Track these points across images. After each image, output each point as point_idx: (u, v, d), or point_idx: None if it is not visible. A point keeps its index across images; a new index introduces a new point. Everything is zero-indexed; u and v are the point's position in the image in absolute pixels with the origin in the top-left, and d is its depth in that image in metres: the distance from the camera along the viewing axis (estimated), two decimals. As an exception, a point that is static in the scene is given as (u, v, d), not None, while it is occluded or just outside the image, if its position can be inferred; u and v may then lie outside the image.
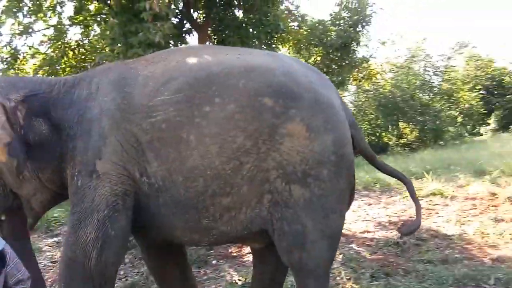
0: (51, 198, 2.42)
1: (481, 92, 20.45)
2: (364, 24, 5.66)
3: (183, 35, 5.81)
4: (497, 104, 20.22)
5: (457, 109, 18.03)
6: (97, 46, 6.24)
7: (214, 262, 4.68)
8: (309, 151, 2.10)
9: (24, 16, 5.10)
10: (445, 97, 17.24)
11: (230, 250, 5.12)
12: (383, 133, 17.14)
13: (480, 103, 19.06)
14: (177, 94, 2.10)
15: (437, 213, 5.97)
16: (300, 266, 2.24)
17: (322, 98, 2.20)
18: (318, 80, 2.32)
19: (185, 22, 5.83)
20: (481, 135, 19.78)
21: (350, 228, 5.65)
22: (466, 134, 19.32)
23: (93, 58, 5.02)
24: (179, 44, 5.76)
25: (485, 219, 5.16)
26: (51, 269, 5.08)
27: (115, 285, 4.13)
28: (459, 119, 18.55)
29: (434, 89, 17.41)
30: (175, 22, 5.28)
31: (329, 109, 2.20)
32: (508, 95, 19.68)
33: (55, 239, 6.73)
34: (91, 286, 2.15)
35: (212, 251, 4.91)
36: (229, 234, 2.25)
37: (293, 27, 6.77)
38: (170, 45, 4.98)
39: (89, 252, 2.10)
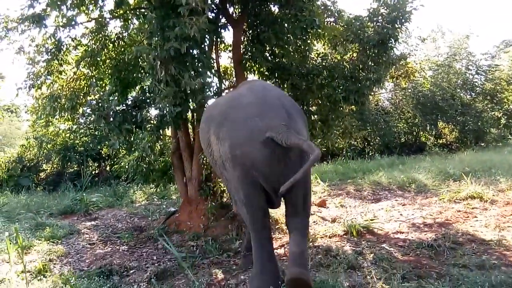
0: None
1: (527, 93, 19.32)
2: (403, 21, 5.46)
3: (219, 29, 5.86)
4: (544, 105, 19.04)
5: (500, 110, 17.12)
6: (136, 39, 6.41)
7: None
8: (221, 151, 3.43)
9: (68, 9, 5.30)
10: (488, 97, 16.43)
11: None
12: (421, 133, 16.59)
13: (526, 104, 18.03)
14: None
15: (475, 217, 5.73)
16: None
17: (228, 117, 3.41)
18: (241, 104, 3.45)
19: (220, 17, 5.88)
20: (527, 138, 18.72)
21: (383, 228, 5.54)
22: (510, 137, 18.33)
23: (132, 50, 5.16)
24: (214, 38, 5.82)
25: (527, 226, 4.91)
26: (89, 251, 5.33)
27: (148, 269, 4.28)
28: (502, 121, 17.60)
29: (476, 88, 16.63)
30: (210, 17, 5.33)
31: (230, 124, 3.35)
32: (558, 96, 18.47)
33: (93, 222, 7.04)
34: None
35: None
36: None
37: (329, 22, 6.67)
38: (206, 39, 5.05)
39: None
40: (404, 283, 3.24)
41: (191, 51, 4.57)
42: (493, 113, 16.35)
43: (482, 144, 14.96)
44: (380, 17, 5.64)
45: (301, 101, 5.82)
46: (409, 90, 15.40)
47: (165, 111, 4.43)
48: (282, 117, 3.19)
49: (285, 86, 6.21)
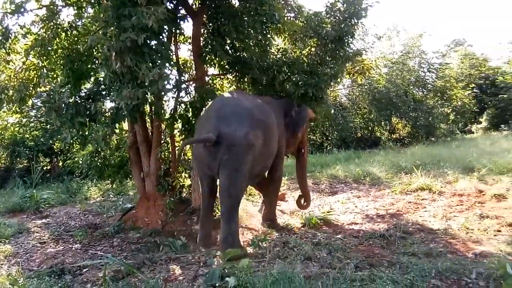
0: None
1: (474, 90, 20.56)
2: (359, 16, 5.61)
3: (178, 21, 5.74)
4: (489, 103, 20.34)
5: (449, 107, 18.14)
6: (90, 29, 6.14)
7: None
8: None
9: (17, -6, 5.00)
10: (438, 94, 17.33)
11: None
12: (376, 128, 17.23)
13: (472, 101, 19.17)
14: None
15: (425, 207, 6.05)
16: None
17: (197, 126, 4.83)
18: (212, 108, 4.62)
19: (180, 7, 5.75)
20: (472, 133, 19.93)
21: (339, 219, 5.72)
22: (458, 132, 19.46)
23: (86, 40, 4.93)
24: (173, 30, 5.69)
25: (471, 215, 5.24)
26: (39, 250, 5.09)
27: (103, 267, 4.15)
28: (451, 117, 18.67)
29: (428, 85, 17.48)
30: (169, 7, 5.21)
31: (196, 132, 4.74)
32: (501, 94, 19.79)
33: (44, 220, 6.73)
34: None
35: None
36: None
37: (289, 18, 6.72)
38: (164, 30, 4.92)
39: None
40: (357, 272, 3.35)
41: (148, 42, 4.44)
42: (443, 109, 17.29)
43: (433, 139, 15.75)
44: (337, 13, 5.75)
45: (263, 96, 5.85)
46: (365, 87, 15.91)
47: (120, 104, 4.28)
48: (213, 126, 4.26)
49: (246, 80, 6.21)
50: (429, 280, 3.18)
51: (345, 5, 5.66)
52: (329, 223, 5.47)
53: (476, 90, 21.14)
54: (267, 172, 5.24)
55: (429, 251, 3.92)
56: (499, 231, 4.63)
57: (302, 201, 6.08)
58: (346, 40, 5.62)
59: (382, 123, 16.33)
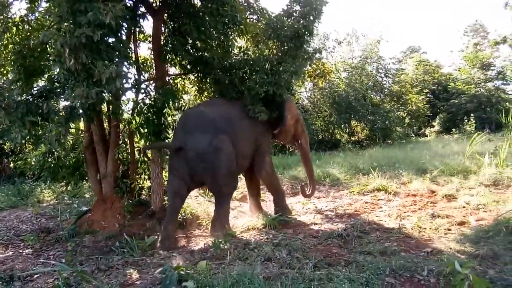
0: None
1: (427, 95, 21.62)
2: (316, 15, 5.73)
3: (138, 18, 5.61)
4: (441, 107, 21.44)
5: (405, 111, 18.94)
6: (44, 24, 5.86)
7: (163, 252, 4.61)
8: None
9: (-37, -15, 4.68)
10: (395, 99, 18.03)
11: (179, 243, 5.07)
12: (336, 130, 17.64)
13: (426, 106, 20.14)
14: None
15: (381, 207, 6.25)
16: None
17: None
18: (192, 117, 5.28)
19: (140, 5, 5.62)
20: (426, 136, 20.91)
21: (299, 220, 5.79)
22: (412, 135, 20.34)
23: (39, 35, 4.69)
24: (132, 28, 5.55)
25: (423, 215, 5.47)
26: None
27: (55, 273, 3.94)
28: (407, 120, 19.51)
29: (385, 90, 18.15)
30: (128, 4, 5.08)
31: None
32: (452, 100, 20.92)
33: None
34: None
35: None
36: None
37: (252, 20, 6.75)
38: (123, 28, 4.78)
39: None
40: (315, 272, 3.41)
41: (106, 39, 4.29)
42: (398, 113, 18.01)
43: (389, 141, 16.35)
44: (295, 12, 5.85)
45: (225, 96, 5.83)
46: (326, 90, 16.27)
47: (75, 103, 4.10)
48: (180, 138, 5.03)
49: (208, 81, 6.16)
50: (383, 278, 3.29)
51: (301, 5, 5.76)
52: (290, 224, 5.52)
53: (430, 95, 22.28)
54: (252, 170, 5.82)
55: (384, 250, 4.05)
56: (449, 229, 4.86)
57: (307, 189, 6.57)
58: (305, 38, 5.71)
59: (342, 126, 16.76)
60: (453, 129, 17.97)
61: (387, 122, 16.29)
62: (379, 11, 66.45)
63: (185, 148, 4.89)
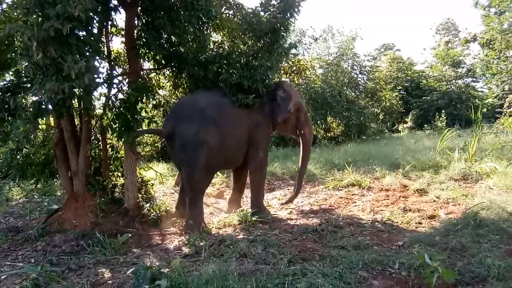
0: None
1: (401, 92, 22.07)
2: (292, 11, 5.74)
3: (110, 11, 5.45)
4: (414, 104, 21.93)
5: (379, 107, 19.28)
6: (11, 16, 5.62)
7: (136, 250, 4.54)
8: None
9: None
10: (369, 95, 18.31)
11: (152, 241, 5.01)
12: (313, 126, 17.74)
13: (399, 102, 20.57)
14: None
15: (354, 202, 6.36)
16: None
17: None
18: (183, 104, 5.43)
19: (112, -2, 5.47)
20: (399, 132, 21.36)
21: (275, 215, 5.82)
22: (386, 131, 20.75)
23: (4, 28, 4.49)
24: (104, 21, 5.40)
25: (395, 209, 5.61)
26: None
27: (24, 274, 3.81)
28: (381, 116, 19.88)
29: (360, 87, 18.40)
30: (100, -3, 4.92)
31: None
32: (424, 96, 21.44)
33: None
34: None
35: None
36: None
37: (228, 15, 6.68)
38: (94, 21, 4.64)
39: None
40: (290, 267, 3.43)
41: (76, 32, 4.16)
42: (373, 109, 18.31)
43: (364, 137, 16.61)
44: (272, 8, 5.84)
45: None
46: (303, 86, 16.33)
47: (43, 98, 3.95)
48: (170, 125, 5.18)
49: (183, 76, 6.08)
50: (356, 272, 3.35)
51: (278, 0, 5.76)
52: (266, 219, 5.54)
53: (403, 92, 22.75)
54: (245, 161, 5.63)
55: (358, 244, 4.13)
56: (420, 223, 5.00)
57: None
58: (281, 33, 5.71)
59: (318, 122, 16.88)
60: (425, 125, 18.40)
61: (362, 118, 16.52)
62: (354, 8, 67.37)
63: (173, 136, 5.03)
